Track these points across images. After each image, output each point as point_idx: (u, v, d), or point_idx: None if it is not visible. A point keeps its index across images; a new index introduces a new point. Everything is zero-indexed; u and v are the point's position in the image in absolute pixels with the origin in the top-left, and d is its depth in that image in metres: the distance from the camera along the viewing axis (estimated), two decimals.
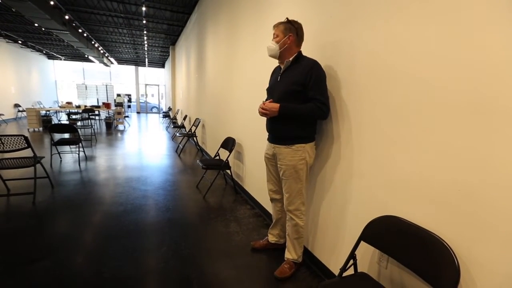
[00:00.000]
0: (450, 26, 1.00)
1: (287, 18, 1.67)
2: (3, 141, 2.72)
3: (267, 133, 1.87)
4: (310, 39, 1.81)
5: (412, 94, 1.14)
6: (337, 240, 1.66)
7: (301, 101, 1.60)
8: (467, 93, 0.95)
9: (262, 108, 1.68)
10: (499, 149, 0.87)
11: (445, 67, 1.02)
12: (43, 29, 7.23)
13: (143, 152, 5.42)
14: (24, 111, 10.44)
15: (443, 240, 0.99)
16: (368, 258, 1.42)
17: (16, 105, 10.84)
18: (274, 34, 1.69)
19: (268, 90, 1.83)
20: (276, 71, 1.82)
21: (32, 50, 12.13)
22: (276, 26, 1.68)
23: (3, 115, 9.58)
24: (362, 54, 1.41)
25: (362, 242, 1.26)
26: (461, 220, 0.98)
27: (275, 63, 1.83)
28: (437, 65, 1.04)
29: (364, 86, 1.40)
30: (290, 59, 1.65)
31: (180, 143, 6.00)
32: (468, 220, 0.96)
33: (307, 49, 1.77)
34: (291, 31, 1.63)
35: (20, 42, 10.34)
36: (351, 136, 1.50)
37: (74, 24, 7.73)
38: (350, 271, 1.30)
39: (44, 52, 13.06)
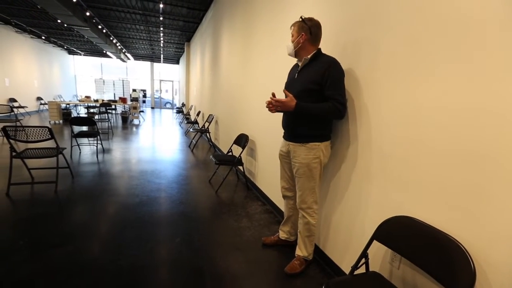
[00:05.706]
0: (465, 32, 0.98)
1: (301, 17, 1.66)
2: (27, 132, 2.86)
3: (281, 131, 1.88)
4: (331, 38, 1.79)
5: (434, 94, 1.13)
6: (349, 239, 1.66)
7: (318, 100, 1.59)
8: (487, 95, 0.93)
9: (276, 101, 1.60)
10: None
11: (466, 69, 1.00)
12: (65, 25, 7.47)
13: (157, 146, 5.55)
14: (46, 104, 10.88)
15: (459, 242, 0.98)
16: (380, 258, 1.41)
17: (39, 98, 11.31)
18: (291, 33, 1.70)
19: (286, 87, 1.81)
20: (294, 69, 1.82)
21: (54, 45, 12.59)
22: (292, 26, 1.70)
23: (26, 107, 10.01)
24: (382, 54, 1.39)
25: (374, 242, 1.26)
26: (477, 222, 0.96)
27: (290, 61, 1.82)
28: (460, 67, 1.02)
29: (384, 86, 1.39)
30: (308, 57, 1.64)
31: (193, 139, 6.09)
32: (484, 222, 0.94)
33: (327, 48, 1.76)
34: (303, 30, 1.63)
35: (43, 37, 10.76)
36: (370, 137, 1.48)
37: (94, 21, 7.96)
38: (361, 270, 1.30)
39: (65, 47, 13.52)
